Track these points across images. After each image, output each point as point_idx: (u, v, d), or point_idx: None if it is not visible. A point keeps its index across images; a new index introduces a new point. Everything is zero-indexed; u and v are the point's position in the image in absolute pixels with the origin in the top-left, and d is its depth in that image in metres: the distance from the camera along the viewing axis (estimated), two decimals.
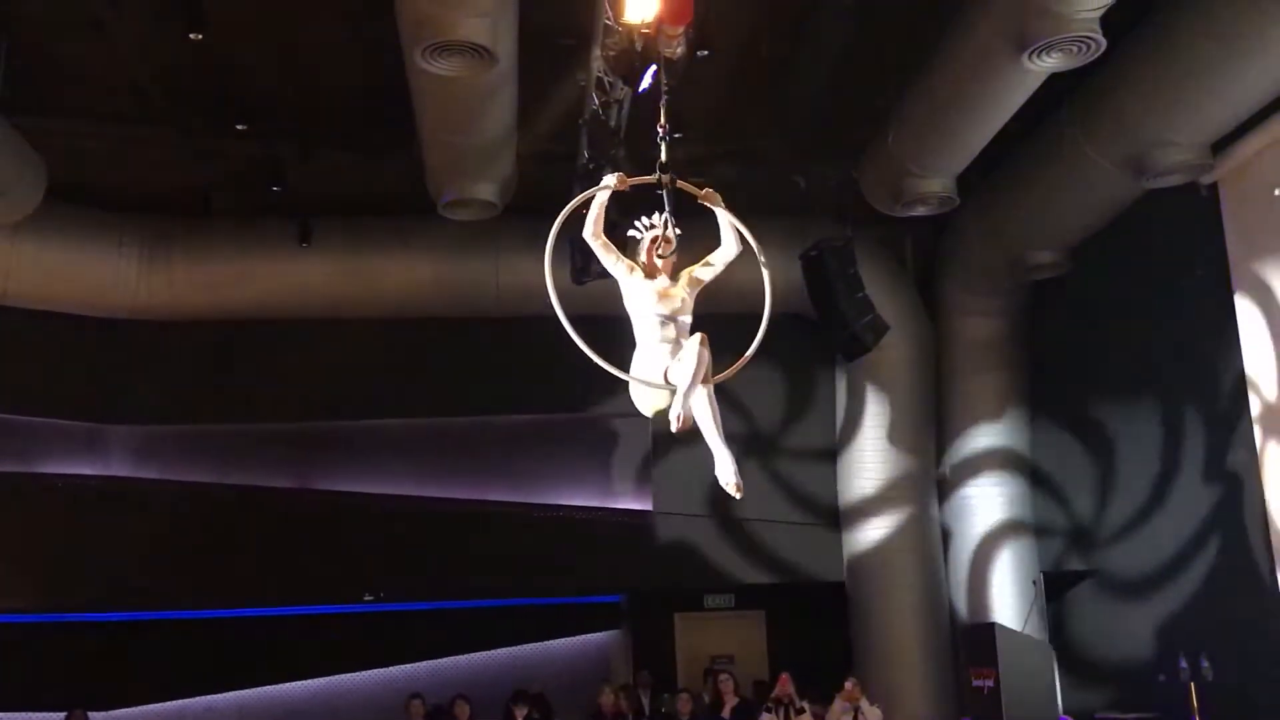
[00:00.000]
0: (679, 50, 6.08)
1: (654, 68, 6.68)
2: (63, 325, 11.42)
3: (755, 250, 5.03)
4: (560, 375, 12.02)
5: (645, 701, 11.58)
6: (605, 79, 7.84)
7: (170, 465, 12.19)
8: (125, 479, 12.03)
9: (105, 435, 12.02)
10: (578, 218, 5.12)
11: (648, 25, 6.15)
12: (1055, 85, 8.55)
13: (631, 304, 4.85)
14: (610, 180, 4.94)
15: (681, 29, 5.99)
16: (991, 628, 9.74)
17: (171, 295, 11.34)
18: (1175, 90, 8.44)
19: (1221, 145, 9.02)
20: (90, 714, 10.74)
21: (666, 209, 4.88)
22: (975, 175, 10.35)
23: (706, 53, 7.99)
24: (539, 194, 10.82)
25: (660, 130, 5.26)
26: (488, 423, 12.63)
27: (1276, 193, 8.87)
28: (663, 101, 5.55)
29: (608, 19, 7.08)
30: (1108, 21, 7.47)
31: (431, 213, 10.55)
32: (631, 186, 4.99)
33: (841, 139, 10.76)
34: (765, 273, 5.05)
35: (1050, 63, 7.58)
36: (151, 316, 11.49)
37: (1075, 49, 7.42)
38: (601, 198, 4.84)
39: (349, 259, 11.44)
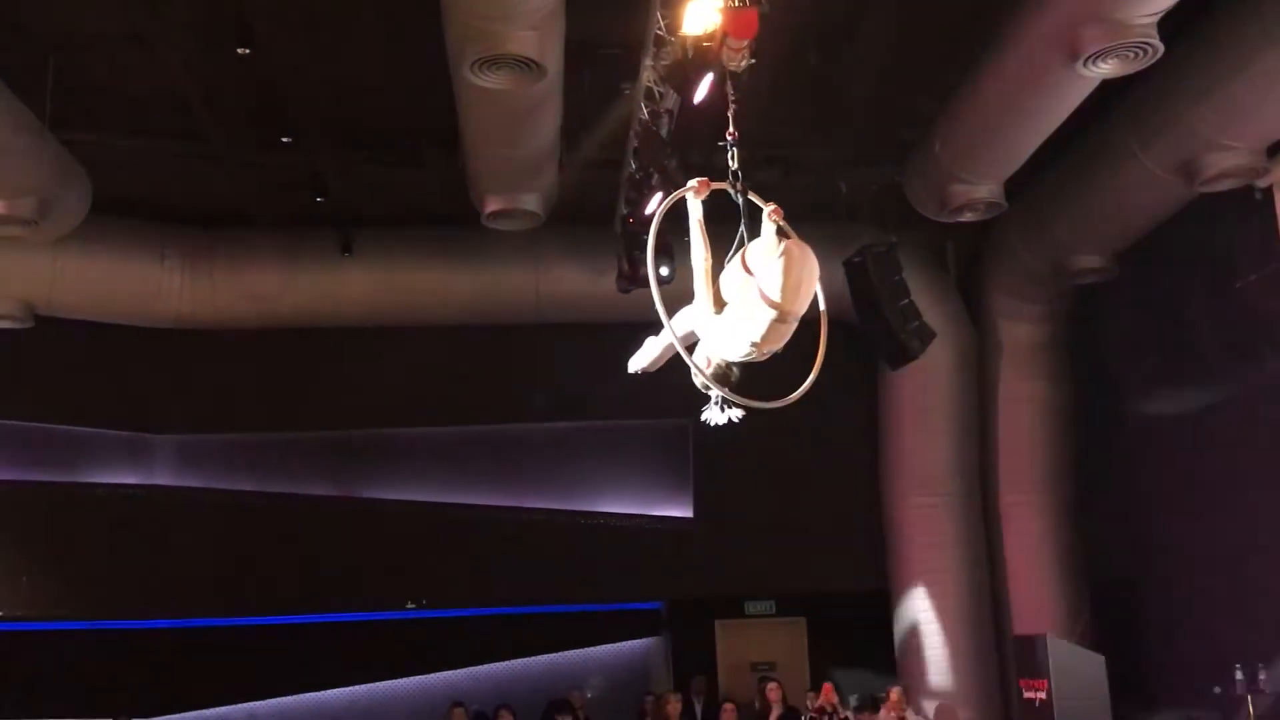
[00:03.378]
0: (743, 63, 6.00)
1: (710, 77, 6.60)
2: (106, 336, 11.49)
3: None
4: (601, 383, 12.05)
5: (698, 707, 11.53)
6: (655, 89, 7.77)
7: (213, 474, 12.27)
8: (168, 488, 12.13)
9: (148, 445, 12.11)
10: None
11: (709, 38, 6.09)
12: (1105, 87, 8.42)
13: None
14: (693, 183, 4.87)
15: (746, 42, 5.92)
16: (1043, 639, 9.62)
17: (214, 306, 11.36)
18: (1229, 93, 8.28)
19: (1277, 149, 8.87)
20: None
21: (742, 215, 4.82)
22: (1021, 178, 10.21)
23: (754, 60, 7.90)
24: (579, 203, 10.88)
25: (730, 138, 5.21)
26: (530, 429, 12.64)
27: None
28: (730, 111, 5.48)
29: (659, 30, 7.02)
30: (1161, 24, 7.33)
31: (472, 223, 10.53)
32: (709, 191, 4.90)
33: (885, 144, 10.66)
34: (821, 299, 4.97)
35: (1105, 69, 7.46)
36: (194, 326, 11.52)
37: (1131, 55, 7.29)
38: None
39: (390, 269, 11.44)
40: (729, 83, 5.93)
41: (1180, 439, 10.88)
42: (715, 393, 4.72)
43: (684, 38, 6.51)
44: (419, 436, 12.50)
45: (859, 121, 10.35)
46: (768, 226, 4.83)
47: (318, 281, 11.41)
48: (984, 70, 8.41)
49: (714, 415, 4.80)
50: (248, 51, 7.53)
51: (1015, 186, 10.21)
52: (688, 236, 4.74)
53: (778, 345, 4.62)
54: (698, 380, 4.72)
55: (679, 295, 4.93)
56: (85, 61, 8.73)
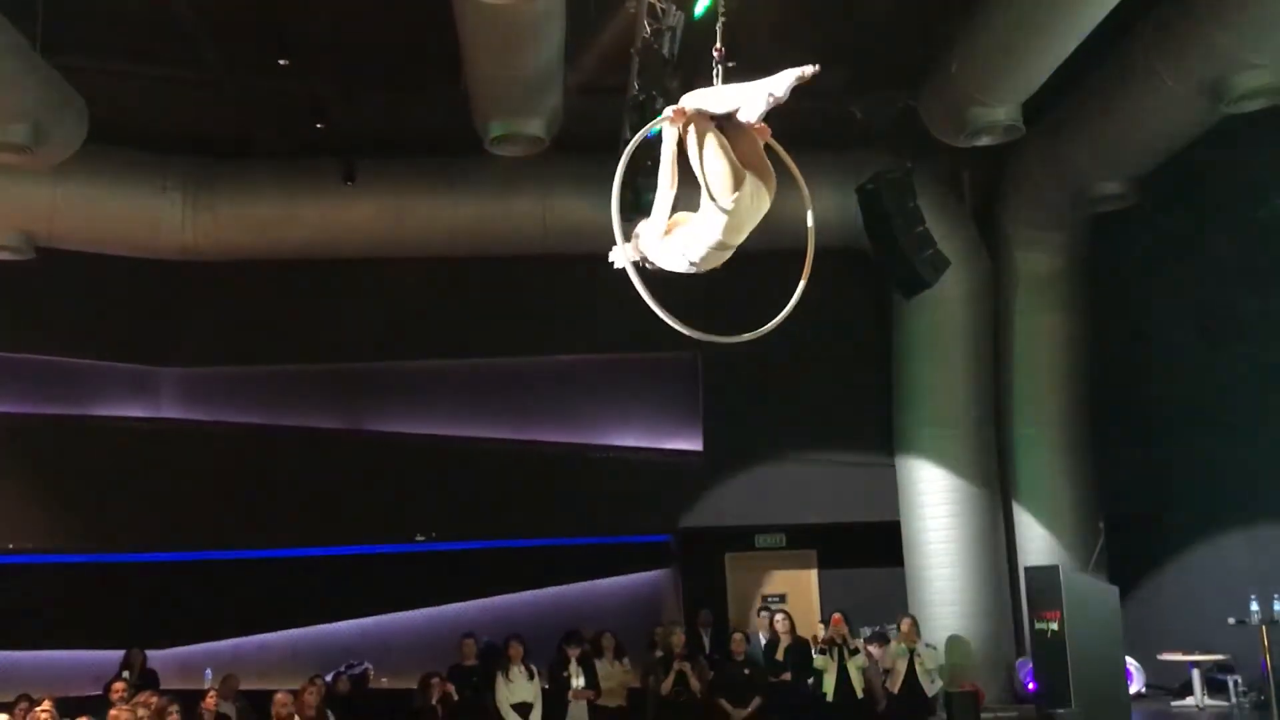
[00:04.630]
0: None
1: None
2: (109, 268, 11.36)
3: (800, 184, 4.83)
4: (610, 314, 11.83)
5: (706, 639, 11.49)
6: (658, 5, 7.50)
7: (219, 407, 12.21)
8: (175, 420, 12.07)
9: (155, 378, 12.04)
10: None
11: None
12: (1126, 2, 8.12)
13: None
14: (668, 112, 4.66)
15: None
16: (1056, 569, 9.52)
17: (217, 236, 11.20)
18: (1259, 9, 8.00)
19: None
20: (146, 652, 10.82)
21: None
22: (1040, 104, 9.92)
23: None
24: (586, 130, 10.61)
25: (716, 54, 4.97)
26: (538, 362, 12.52)
27: None
28: (719, 24, 5.24)
29: None
30: None
31: (477, 151, 10.31)
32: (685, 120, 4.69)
33: (899, 69, 10.37)
34: (809, 212, 4.82)
35: None
36: (198, 258, 11.37)
37: None
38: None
39: (394, 198, 11.24)
40: None
41: (1199, 370, 10.70)
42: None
43: None
44: (427, 369, 12.39)
45: (873, 44, 10.06)
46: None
47: (321, 211, 11.22)
48: None
49: (616, 255, 4.72)
50: None
51: (1033, 112, 9.92)
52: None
53: (715, 265, 4.64)
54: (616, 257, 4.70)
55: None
56: None
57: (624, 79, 9.10)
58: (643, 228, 4.69)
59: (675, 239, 4.60)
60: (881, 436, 12.48)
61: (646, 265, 4.70)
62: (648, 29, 7.74)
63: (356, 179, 10.95)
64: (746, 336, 4.66)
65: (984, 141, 9.73)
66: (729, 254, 4.59)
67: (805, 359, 12.49)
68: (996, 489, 11.84)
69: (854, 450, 12.53)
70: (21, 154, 8.88)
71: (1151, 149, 10.06)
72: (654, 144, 7.69)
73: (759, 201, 4.54)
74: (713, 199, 4.51)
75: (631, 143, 4.74)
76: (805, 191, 4.89)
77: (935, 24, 9.62)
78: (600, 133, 10.56)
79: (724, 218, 4.49)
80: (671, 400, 12.73)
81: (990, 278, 11.94)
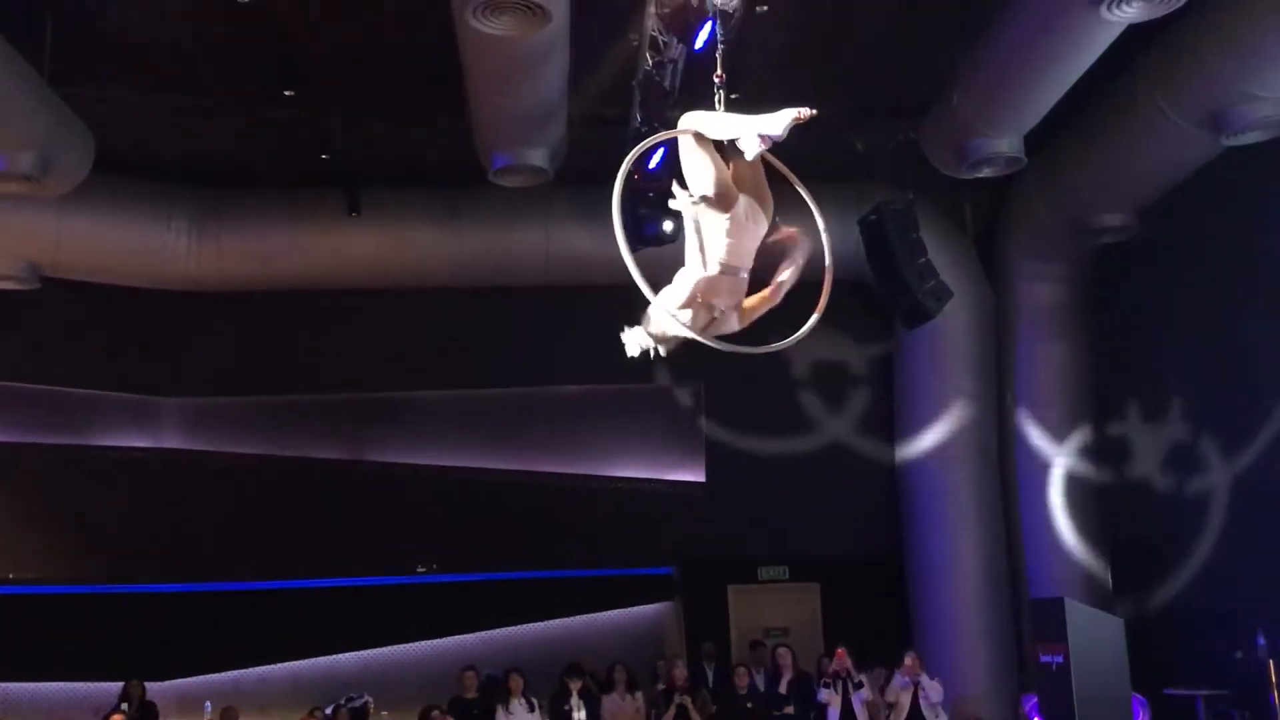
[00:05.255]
0: (735, 2, 5.79)
1: (710, 22, 6.41)
2: (112, 298, 11.38)
3: (815, 214, 4.82)
4: (612, 345, 11.81)
5: (709, 672, 11.41)
6: (660, 38, 7.57)
7: (221, 437, 12.19)
8: (176, 450, 12.04)
9: (157, 408, 12.04)
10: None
11: None
12: (1127, 36, 8.17)
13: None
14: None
15: None
16: (1061, 602, 9.45)
17: (221, 267, 11.24)
18: (1259, 41, 8.03)
19: None
20: (146, 684, 10.75)
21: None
22: (1041, 135, 9.96)
23: (766, 8, 7.70)
24: (588, 161, 10.62)
25: (717, 80, 5.01)
26: (540, 393, 12.51)
27: None
28: (719, 51, 5.28)
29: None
30: None
31: (481, 181, 10.37)
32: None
33: (901, 100, 10.42)
34: (825, 238, 4.81)
35: (1129, 13, 7.21)
36: (202, 288, 11.40)
37: None
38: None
39: (398, 229, 11.28)
40: (720, 23, 5.71)
41: (1204, 401, 10.67)
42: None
43: None
44: (430, 399, 12.38)
45: (874, 75, 10.12)
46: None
47: (325, 242, 11.26)
48: (1004, 17, 8.16)
49: (629, 341, 4.72)
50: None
51: (1035, 143, 9.96)
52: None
53: (727, 299, 4.53)
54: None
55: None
56: (85, 14, 8.55)
57: (626, 111, 9.18)
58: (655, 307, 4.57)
59: (678, 284, 4.53)
60: (885, 468, 12.46)
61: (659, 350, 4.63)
62: (649, 61, 7.81)
63: (361, 210, 10.99)
64: (763, 349, 4.62)
65: (985, 173, 9.76)
66: (742, 281, 4.51)
67: (807, 390, 12.51)
68: (1001, 520, 11.79)
69: (857, 482, 12.51)
70: (28, 184, 8.92)
71: (1153, 180, 10.09)
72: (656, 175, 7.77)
73: (756, 221, 4.55)
74: (707, 212, 4.53)
75: (628, 158, 4.75)
76: (815, 209, 4.89)
77: (936, 55, 9.67)
78: (602, 165, 10.60)
79: (723, 235, 4.48)
80: (674, 431, 12.72)
81: (992, 308, 11.95)
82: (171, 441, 12.10)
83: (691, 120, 4.72)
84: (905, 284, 10.10)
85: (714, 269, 4.51)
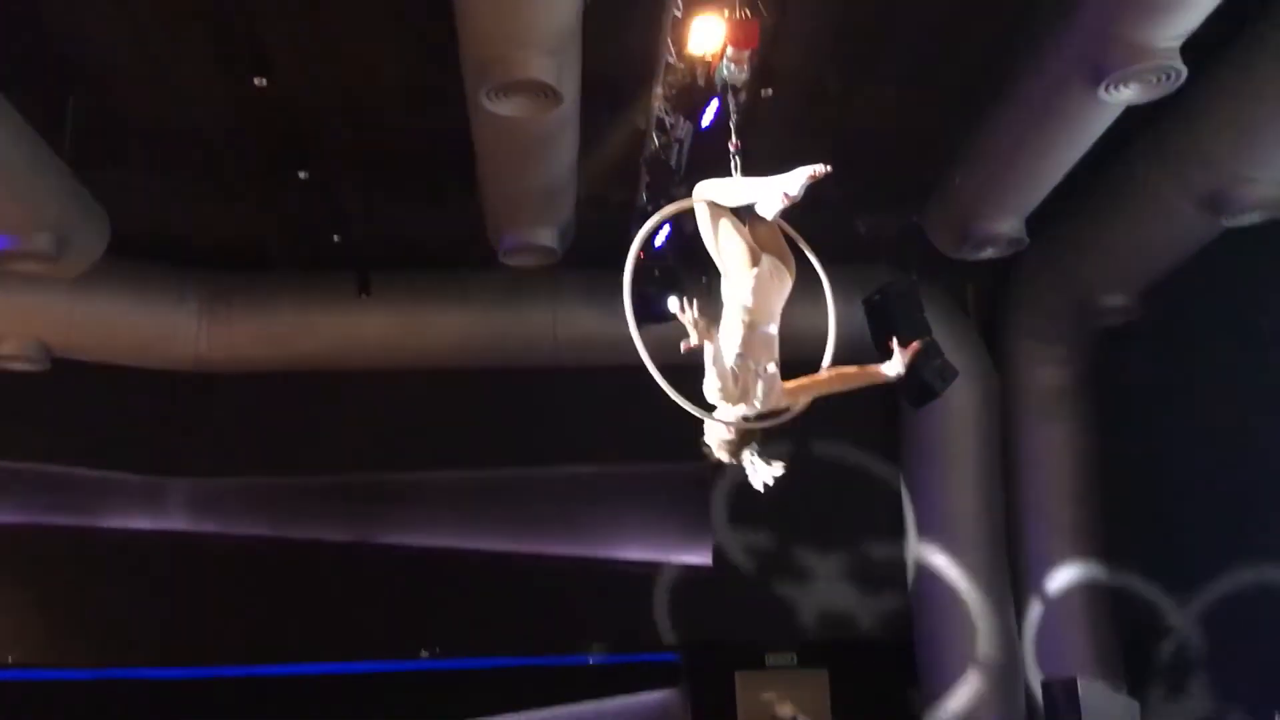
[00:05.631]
0: (744, 77, 5.94)
1: (717, 101, 6.56)
2: (122, 378, 11.41)
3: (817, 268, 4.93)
4: (617, 426, 11.96)
5: None
6: (666, 119, 7.74)
7: (228, 519, 12.15)
8: (183, 533, 11.99)
9: (164, 489, 12.01)
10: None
11: (712, 55, 6.04)
12: (1129, 120, 8.34)
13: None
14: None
15: (747, 53, 5.86)
16: (1074, 682, 9.33)
17: (231, 348, 11.30)
18: (1255, 123, 8.22)
19: None
20: None
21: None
22: (1043, 217, 10.09)
23: (770, 91, 7.88)
24: (595, 243, 10.79)
25: (732, 148, 5.14)
26: (545, 474, 12.47)
27: None
28: (732, 121, 5.42)
29: (669, 57, 6.99)
30: (1186, 51, 7.25)
31: (490, 263, 10.52)
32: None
33: (903, 184, 10.58)
34: (830, 301, 4.90)
35: (1127, 94, 7.37)
36: (211, 370, 11.45)
37: (1154, 79, 7.20)
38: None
39: (407, 310, 11.37)
40: (731, 96, 5.86)
41: (1213, 484, 10.64)
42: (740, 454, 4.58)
43: (691, 60, 6.47)
44: (435, 480, 12.35)
45: (877, 160, 10.29)
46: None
47: (335, 323, 11.34)
48: (1005, 99, 8.35)
49: (755, 475, 4.62)
50: (264, 82, 7.52)
51: (1037, 224, 10.11)
52: (703, 275, 4.64)
53: (763, 356, 4.53)
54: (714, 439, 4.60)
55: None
56: (105, 97, 8.77)
57: (633, 193, 9.34)
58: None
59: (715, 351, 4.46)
60: (895, 552, 12.37)
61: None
62: (655, 142, 7.98)
63: (372, 292, 11.10)
64: (773, 422, 4.64)
65: (988, 254, 9.88)
66: (773, 351, 4.55)
67: (816, 473, 12.47)
68: (1011, 604, 11.67)
69: (866, 566, 12.43)
70: (44, 263, 9.05)
71: (1155, 261, 10.20)
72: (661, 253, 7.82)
73: (780, 280, 4.62)
74: (730, 275, 4.61)
75: (641, 233, 4.83)
76: (823, 275, 5.00)
77: (938, 139, 9.86)
78: (610, 247, 10.76)
79: (747, 294, 4.54)
80: (681, 512, 12.66)
81: (998, 391, 11.97)
82: (177, 523, 12.05)
83: (706, 189, 4.82)
84: (911, 364, 10.10)
85: (741, 328, 4.52)
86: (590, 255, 10.85)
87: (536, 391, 12.10)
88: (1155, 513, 11.24)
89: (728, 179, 5.12)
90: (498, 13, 6.53)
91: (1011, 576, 11.79)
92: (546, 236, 9.37)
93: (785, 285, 4.70)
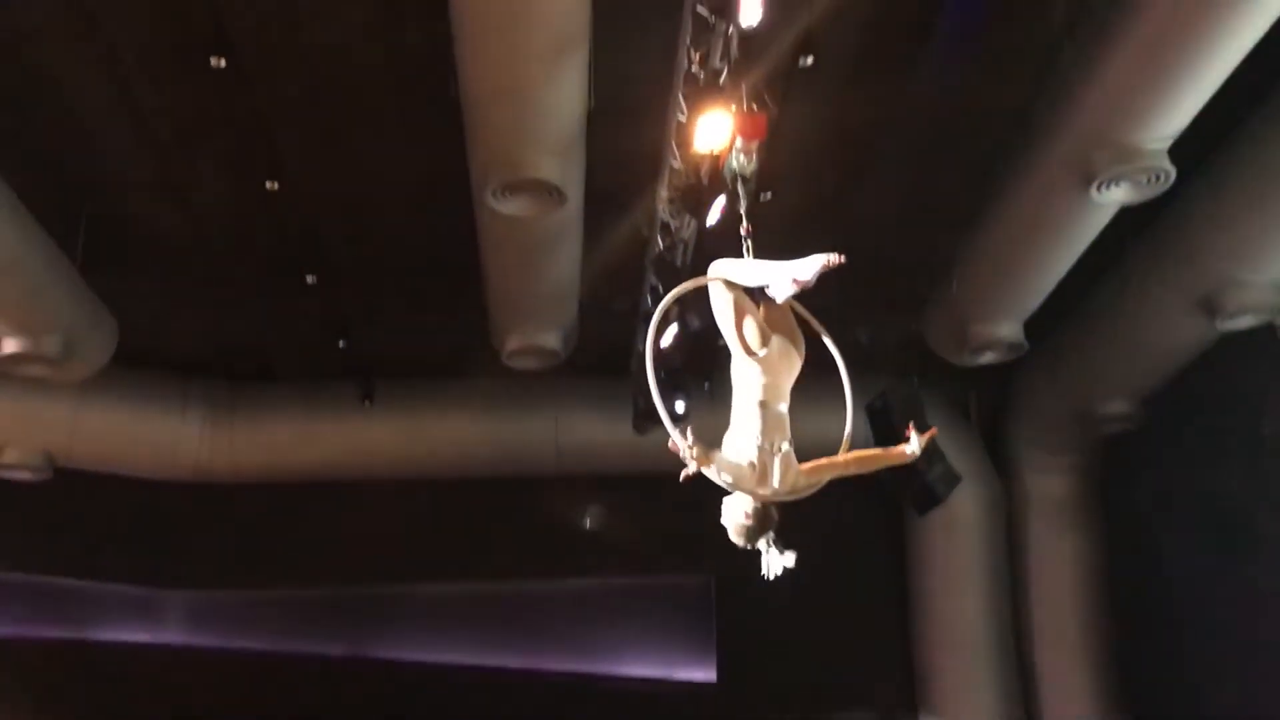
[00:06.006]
0: (753, 168, 6.08)
1: (723, 199, 6.69)
2: (121, 488, 11.37)
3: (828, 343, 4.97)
4: (619, 537, 11.90)
5: None
6: (670, 221, 7.89)
7: (225, 632, 12.00)
8: (179, 647, 11.79)
9: (160, 601, 11.88)
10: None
11: (719, 151, 6.18)
12: (1122, 223, 8.50)
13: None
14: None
15: (755, 144, 6.01)
16: None
17: (233, 458, 11.30)
18: (1245, 225, 8.34)
19: None
20: None
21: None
22: (1043, 321, 10.19)
23: (770, 195, 8.04)
24: (598, 351, 10.92)
25: (743, 232, 5.23)
26: (546, 588, 12.34)
27: None
28: (742, 207, 5.54)
29: (673, 160, 7.17)
30: (1176, 156, 7.43)
31: (494, 372, 10.62)
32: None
33: (903, 293, 10.70)
34: (845, 380, 4.93)
35: (1118, 195, 7.53)
36: (212, 480, 11.43)
37: (1144, 180, 7.37)
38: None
39: (410, 418, 11.41)
40: (740, 185, 5.99)
41: (1219, 594, 10.50)
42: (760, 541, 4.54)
43: (696, 159, 6.63)
44: (435, 593, 12.23)
45: (877, 268, 10.43)
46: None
47: (338, 432, 11.37)
48: (1000, 203, 8.51)
49: (770, 565, 4.51)
50: (277, 186, 7.70)
51: (1037, 333, 10.21)
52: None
53: (776, 436, 4.47)
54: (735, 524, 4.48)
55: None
56: (119, 205, 8.95)
57: (636, 299, 9.44)
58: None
59: (728, 444, 4.49)
60: (901, 666, 12.14)
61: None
62: (660, 244, 8.11)
63: (374, 399, 11.17)
64: (791, 497, 4.58)
65: (988, 359, 9.95)
66: (785, 430, 4.49)
67: (821, 586, 12.30)
68: (1022, 714, 11.41)
69: (873, 680, 12.20)
70: (51, 366, 9.11)
71: (1154, 367, 10.25)
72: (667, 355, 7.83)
73: (789, 361, 4.62)
74: (741, 353, 4.63)
75: (662, 304, 4.87)
76: (838, 356, 5.01)
77: (937, 246, 10.01)
78: (611, 353, 10.90)
79: (758, 374, 4.56)
80: (683, 627, 12.47)
81: (1002, 501, 11.94)
82: (173, 636, 11.88)
83: (721, 268, 4.89)
84: (914, 468, 10.09)
85: (755, 409, 4.52)
86: (592, 363, 11.00)
87: (538, 501, 12.06)
88: (1164, 618, 11.06)
89: (742, 260, 5.19)
90: (505, 113, 6.72)
91: (1023, 689, 11.55)
92: (550, 339, 9.46)
93: (795, 366, 4.73)
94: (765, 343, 4.61)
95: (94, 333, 9.42)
